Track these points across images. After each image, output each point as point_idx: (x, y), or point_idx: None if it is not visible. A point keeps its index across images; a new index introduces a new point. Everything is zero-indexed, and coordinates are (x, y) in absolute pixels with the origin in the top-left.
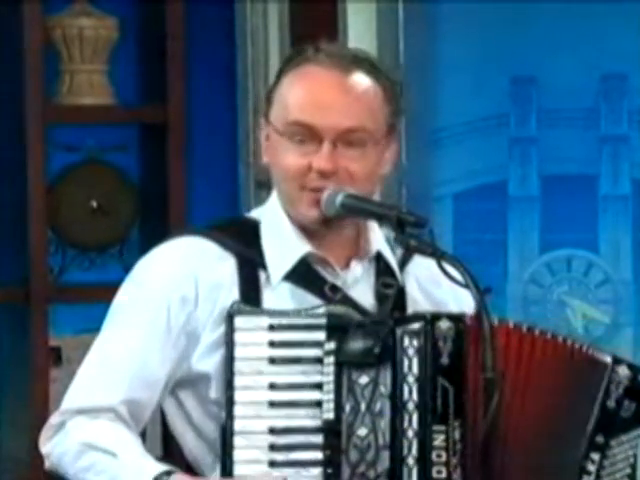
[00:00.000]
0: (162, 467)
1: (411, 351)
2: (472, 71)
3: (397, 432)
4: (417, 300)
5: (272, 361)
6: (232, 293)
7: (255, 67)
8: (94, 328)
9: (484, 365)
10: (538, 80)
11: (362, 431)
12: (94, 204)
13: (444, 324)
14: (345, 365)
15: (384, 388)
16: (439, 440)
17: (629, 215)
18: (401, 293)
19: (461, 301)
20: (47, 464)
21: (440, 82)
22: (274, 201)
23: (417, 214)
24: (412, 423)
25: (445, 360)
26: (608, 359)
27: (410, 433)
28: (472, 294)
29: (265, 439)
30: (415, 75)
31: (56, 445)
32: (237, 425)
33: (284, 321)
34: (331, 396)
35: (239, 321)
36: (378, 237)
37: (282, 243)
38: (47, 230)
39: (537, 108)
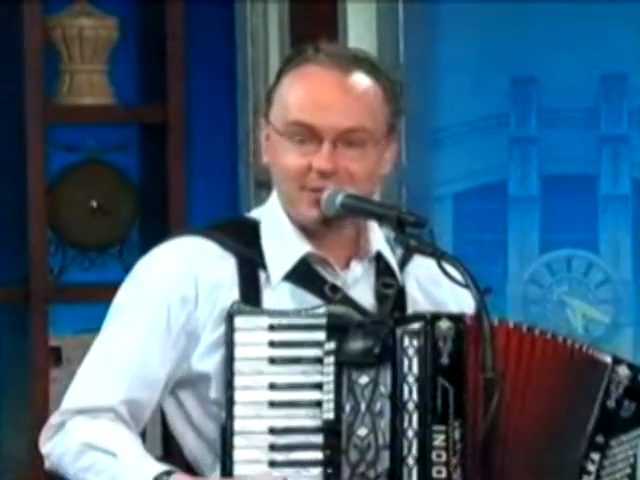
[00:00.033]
0: (162, 467)
1: (411, 351)
2: (472, 71)
3: (397, 432)
4: (417, 300)
5: (272, 361)
6: (232, 293)
7: (255, 67)
8: (94, 328)
9: (484, 365)
10: (538, 80)
11: (362, 431)
12: (94, 204)
13: (444, 324)
14: (345, 365)
15: (384, 388)
16: (439, 440)
17: (629, 215)
18: (401, 293)
19: (461, 301)
20: (47, 464)
21: (440, 82)
22: (274, 201)
23: (417, 214)
24: (412, 423)
25: (445, 360)
26: (608, 359)
27: (410, 433)
28: (472, 294)
29: (265, 439)
30: (415, 75)
31: (56, 445)
32: (237, 425)
33: (284, 321)
34: (331, 396)
35: (239, 321)
36: (378, 237)
37: (282, 243)
38: (47, 230)
39: (537, 108)
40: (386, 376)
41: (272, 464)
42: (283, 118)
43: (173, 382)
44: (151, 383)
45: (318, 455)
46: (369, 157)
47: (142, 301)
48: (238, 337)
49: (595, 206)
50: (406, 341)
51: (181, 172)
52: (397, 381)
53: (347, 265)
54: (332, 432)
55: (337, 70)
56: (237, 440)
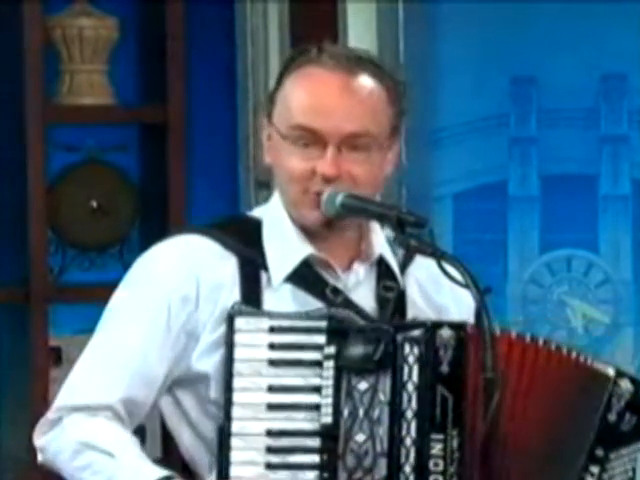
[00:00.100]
0: (162, 472)
1: (411, 358)
2: (472, 71)
3: (395, 439)
4: (417, 303)
5: (271, 363)
6: (233, 294)
7: (255, 67)
8: (94, 328)
9: (484, 365)
10: (538, 80)
11: (360, 437)
12: (94, 204)
13: (445, 332)
14: (345, 370)
15: (383, 395)
16: (437, 449)
17: (629, 215)
18: (401, 296)
19: (461, 302)
20: (40, 458)
21: (440, 82)
22: (276, 201)
23: (417, 214)
24: (410, 431)
25: (445, 368)
26: (611, 372)
27: (408, 441)
28: (472, 294)
29: (262, 441)
30: (415, 75)
31: (52, 441)
32: (235, 426)
33: (284, 323)
34: (329, 400)
35: (239, 322)
36: (380, 240)
37: (284, 244)
38: (47, 230)
39: (537, 108)
40: (385, 383)
41: (268, 466)
42: (286, 121)
43: (170, 381)
44: (149, 382)
45: (315, 459)
46: (373, 161)
47: (142, 299)
48: (238, 338)
49: (595, 206)
50: (407, 348)
51: (181, 172)
52: (396, 388)
53: (349, 267)
54: (329, 436)
55: (341, 72)
56: (234, 441)
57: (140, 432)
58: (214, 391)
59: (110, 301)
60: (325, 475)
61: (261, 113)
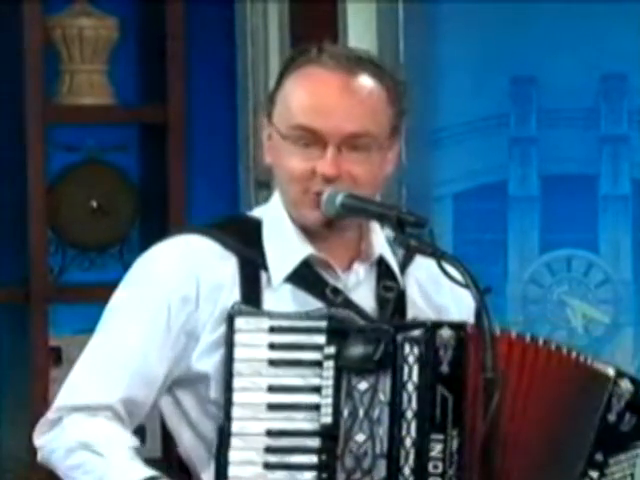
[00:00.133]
0: (148, 472)
1: (412, 359)
2: (472, 71)
3: (395, 440)
4: (417, 303)
5: (271, 363)
6: (233, 294)
7: (255, 67)
8: (94, 328)
9: (484, 365)
10: (538, 80)
11: (359, 437)
12: (94, 204)
13: (445, 332)
14: (345, 370)
15: (383, 395)
16: (436, 450)
17: (629, 215)
18: (401, 296)
19: (461, 302)
20: (39, 457)
21: (440, 82)
22: (276, 201)
23: (417, 214)
24: (410, 432)
25: (445, 368)
26: (611, 372)
27: (408, 442)
28: (472, 294)
29: (261, 441)
30: (415, 75)
31: (51, 441)
32: (234, 426)
33: (285, 323)
34: (329, 400)
35: (240, 322)
36: (380, 240)
37: (284, 244)
38: (47, 230)
39: (537, 108)
40: (385, 383)
41: (267, 466)
42: (286, 121)
43: (170, 381)
44: (149, 382)
45: (313, 459)
46: (373, 160)
47: (142, 299)
48: (238, 338)
49: (595, 206)
50: (407, 348)
51: (181, 172)
52: (396, 388)
53: (349, 268)
54: (329, 436)
55: (341, 72)
56: (234, 441)
57: (140, 432)
58: (214, 391)
59: (110, 301)
60: (323, 476)
61: (261, 113)
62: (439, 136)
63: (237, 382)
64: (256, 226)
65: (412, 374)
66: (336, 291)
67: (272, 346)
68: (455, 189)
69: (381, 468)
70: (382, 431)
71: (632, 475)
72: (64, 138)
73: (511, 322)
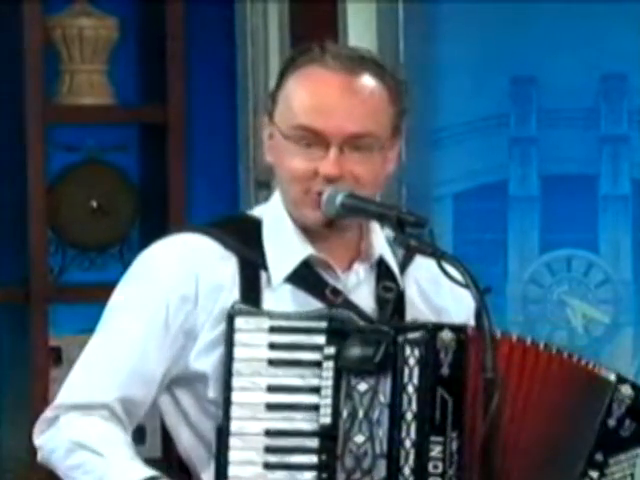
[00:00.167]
0: (148, 472)
1: (412, 361)
2: (472, 71)
3: (395, 441)
4: (415, 303)
5: (271, 363)
6: (232, 294)
7: (255, 67)
8: (94, 328)
9: (484, 365)
10: (538, 80)
11: (359, 438)
12: (94, 204)
13: (446, 335)
14: (344, 371)
15: (383, 397)
16: (436, 451)
17: (629, 215)
18: (400, 297)
19: (460, 302)
20: (39, 457)
21: (440, 82)
22: (277, 200)
23: (417, 214)
24: (410, 433)
25: (445, 371)
26: (612, 377)
27: (408, 443)
28: (472, 294)
29: (261, 441)
30: (415, 75)
31: (49, 440)
32: (233, 426)
33: (285, 323)
34: (329, 401)
35: (240, 322)
36: (380, 240)
37: (284, 244)
38: (47, 230)
39: (537, 108)
40: (386, 384)
41: (266, 466)
42: (288, 120)
43: (169, 380)
44: (147, 381)
45: (313, 459)
46: (374, 160)
47: (141, 298)
48: (238, 337)
49: (595, 206)
50: (407, 350)
51: (181, 172)
52: (397, 390)
53: (349, 268)
54: (328, 437)
55: (343, 72)
56: (233, 441)
57: (140, 432)
58: (212, 390)
59: (110, 300)
60: (323, 476)
61: (262, 112)
62: (439, 136)
63: (236, 382)
64: (256, 226)
65: (412, 376)
66: (336, 292)
67: (272, 346)
68: (455, 189)
69: (381, 468)
70: (382, 432)
71: (632, 475)
72: (64, 138)
73: (511, 322)
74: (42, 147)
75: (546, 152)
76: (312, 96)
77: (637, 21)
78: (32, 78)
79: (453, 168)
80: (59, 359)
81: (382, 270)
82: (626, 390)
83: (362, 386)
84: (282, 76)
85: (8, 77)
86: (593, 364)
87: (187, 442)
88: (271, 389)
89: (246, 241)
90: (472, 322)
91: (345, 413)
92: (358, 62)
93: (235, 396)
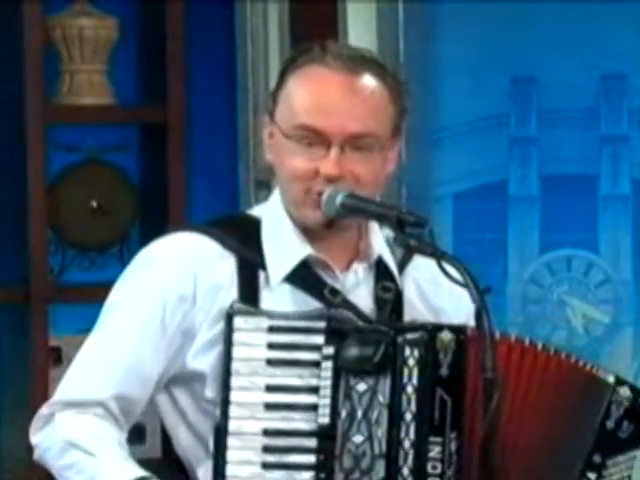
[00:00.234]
0: (140, 472)
1: (412, 361)
2: (472, 71)
3: (394, 442)
4: (414, 304)
5: (270, 363)
6: (231, 294)
7: (255, 67)
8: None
9: (484, 365)
10: (538, 80)
11: (358, 438)
12: (94, 204)
13: (446, 335)
14: (343, 371)
15: (382, 397)
16: (435, 452)
17: (629, 215)
18: (399, 297)
19: (459, 303)
20: (35, 455)
21: (440, 82)
22: (276, 200)
23: (417, 214)
24: (409, 433)
25: (445, 371)
26: (611, 379)
27: (407, 443)
28: (472, 294)
29: (259, 440)
30: (415, 75)
31: (44, 438)
32: (231, 426)
33: (283, 323)
34: (327, 401)
35: (238, 321)
36: (379, 240)
37: (283, 244)
38: (47, 230)
39: (537, 108)
40: (385, 385)
41: (265, 466)
42: (289, 120)
43: (166, 379)
44: (143, 380)
45: (311, 459)
46: (375, 160)
47: (139, 298)
48: (237, 337)
49: (595, 206)
50: (407, 351)
51: (181, 172)
52: (396, 390)
53: (347, 268)
54: (326, 436)
55: (344, 72)
56: (231, 440)
57: (140, 432)
58: (210, 390)
59: (108, 298)
60: (321, 475)
61: (262, 111)
62: (439, 136)
63: (235, 381)
64: (255, 225)
65: (412, 376)
66: (334, 292)
67: (270, 346)
68: (455, 189)
69: (380, 468)
70: (381, 432)
71: (630, 477)
72: (64, 138)
73: (511, 322)
74: (42, 147)
75: (546, 152)
76: (313, 96)
77: (637, 21)
78: (32, 78)
79: (453, 168)
80: (59, 359)
81: (381, 270)
82: (624, 392)
83: (361, 386)
84: (283, 76)
85: (8, 77)
86: (591, 365)
87: (185, 441)
88: (269, 389)
89: (245, 241)
90: (470, 323)
91: (344, 413)
92: (359, 62)
93: (233, 395)
